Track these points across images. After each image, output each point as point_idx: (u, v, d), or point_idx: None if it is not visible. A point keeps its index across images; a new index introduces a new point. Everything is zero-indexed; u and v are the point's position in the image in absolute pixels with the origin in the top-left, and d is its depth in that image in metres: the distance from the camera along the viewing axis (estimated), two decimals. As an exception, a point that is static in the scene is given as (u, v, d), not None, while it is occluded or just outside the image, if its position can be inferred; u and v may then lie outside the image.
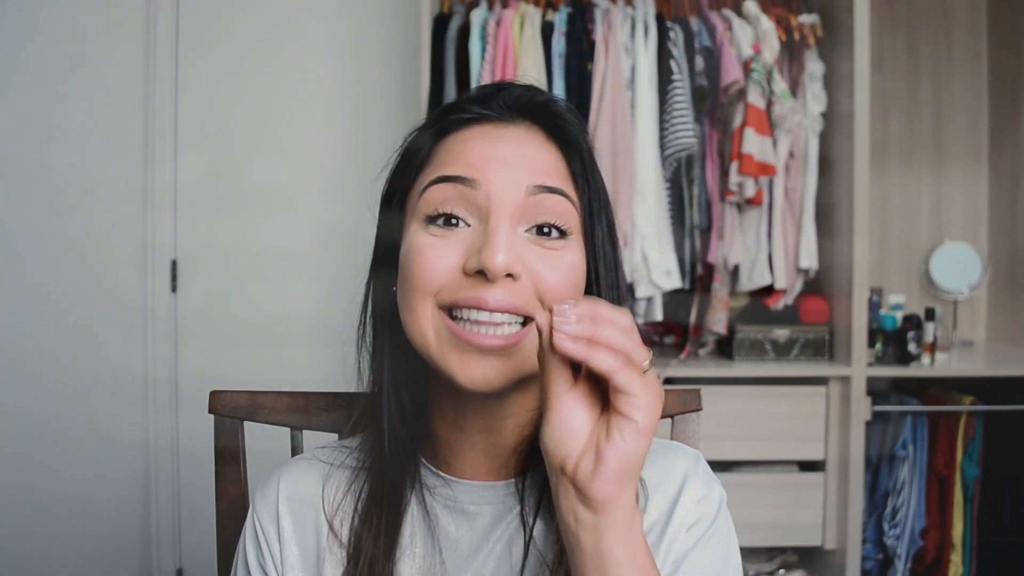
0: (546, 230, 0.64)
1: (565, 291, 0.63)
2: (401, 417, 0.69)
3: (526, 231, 0.64)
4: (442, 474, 0.71)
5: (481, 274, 0.60)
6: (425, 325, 0.63)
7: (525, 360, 0.63)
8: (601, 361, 0.50)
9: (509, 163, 0.64)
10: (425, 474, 0.71)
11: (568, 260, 0.64)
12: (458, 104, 0.69)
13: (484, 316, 0.61)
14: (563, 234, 0.64)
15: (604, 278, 0.67)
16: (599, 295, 0.67)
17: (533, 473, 0.70)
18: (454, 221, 0.63)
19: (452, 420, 0.69)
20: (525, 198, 0.63)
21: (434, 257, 0.62)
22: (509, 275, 0.61)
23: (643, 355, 0.51)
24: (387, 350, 0.70)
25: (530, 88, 0.69)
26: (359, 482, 0.71)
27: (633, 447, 0.51)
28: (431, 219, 0.64)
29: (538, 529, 0.68)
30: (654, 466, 0.71)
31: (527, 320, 0.62)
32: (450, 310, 0.62)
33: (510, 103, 0.67)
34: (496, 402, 0.67)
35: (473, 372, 0.61)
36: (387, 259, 0.69)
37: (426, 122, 0.70)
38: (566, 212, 0.64)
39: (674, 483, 0.70)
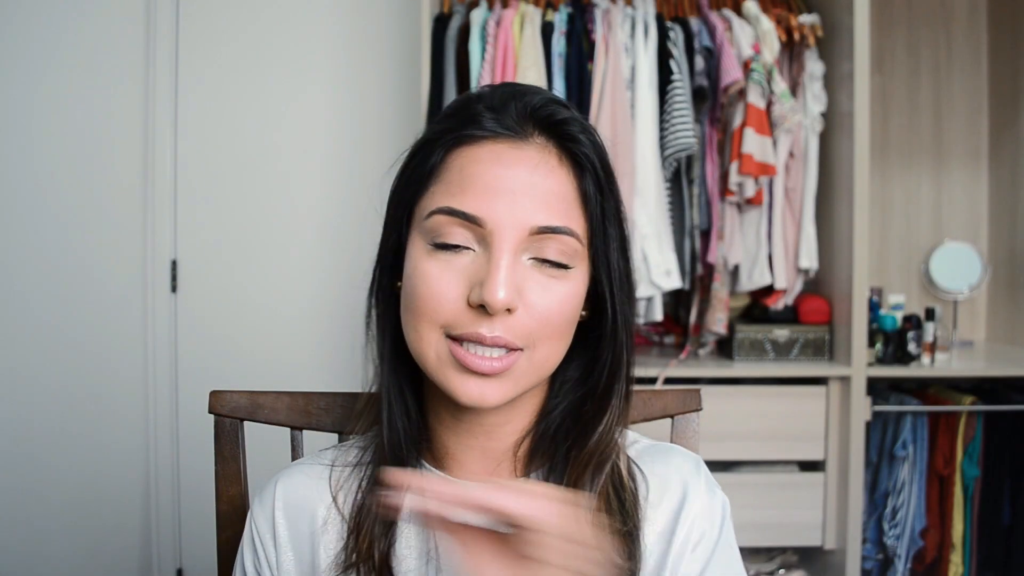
0: (550, 262, 0.65)
1: (559, 320, 0.65)
2: (403, 411, 0.71)
3: (529, 259, 0.65)
4: (441, 473, 0.72)
5: (483, 307, 0.62)
6: (428, 348, 0.65)
7: (518, 380, 0.65)
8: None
9: (517, 196, 0.64)
10: (424, 472, 0.72)
11: (567, 291, 0.65)
12: (474, 110, 0.67)
13: (481, 347, 0.63)
14: (566, 267, 0.66)
15: (618, 297, 0.69)
16: (613, 312, 0.69)
17: (534, 475, 0.71)
18: (459, 245, 0.64)
19: (449, 425, 0.71)
20: (530, 236, 0.64)
21: (440, 289, 0.63)
22: (508, 309, 0.63)
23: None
24: (388, 346, 0.71)
25: (548, 102, 0.68)
26: (361, 468, 0.73)
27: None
28: (437, 245, 0.64)
29: None
30: (654, 472, 0.72)
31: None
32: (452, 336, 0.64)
33: (526, 117, 0.66)
34: (492, 412, 0.69)
35: (471, 391, 0.64)
36: (391, 259, 0.71)
37: (440, 125, 0.69)
38: (570, 249, 0.65)
39: (675, 493, 0.71)
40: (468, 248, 0.64)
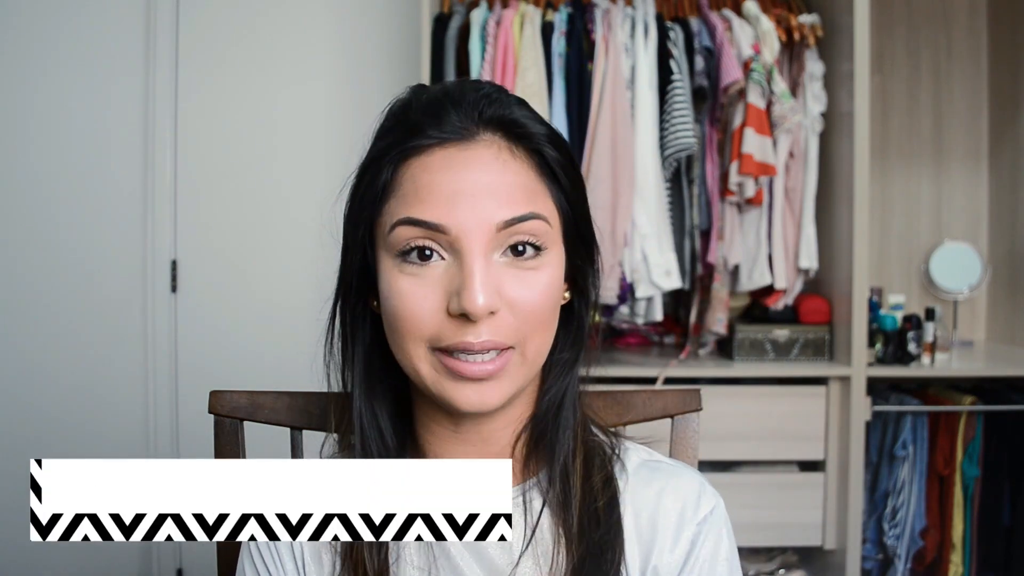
0: (520, 248, 0.64)
1: (543, 311, 0.64)
2: (380, 439, 0.69)
3: (501, 255, 0.63)
4: None
5: (464, 315, 0.61)
6: (420, 363, 0.64)
7: (513, 379, 0.64)
8: None
9: (477, 197, 0.62)
10: None
11: (545, 279, 0.64)
12: (412, 120, 0.65)
13: (471, 354, 0.63)
14: (538, 250, 0.64)
15: (588, 277, 0.71)
16: (584, 293, 0.71)
17: (535, 480, 0.70)
18: (428, 253, 0.63)
19: (444, 436, 0.69)
20: (497, 234, 0.63)
21: (417, 305, 0.63)
22: (491, 312, 0.62)
23: None
24: (360, 369, 0.70)
25: (485, 98, 0.66)
26: None
27: None
28: (404, 254, 0.63)
29: (539, 537, 0.68)
30: (648, 498, 0.71)
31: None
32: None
33: (468, 118, 0.65)
34: (489, 418, 0.68)
35: (470, 397, 0.63)
36: (356, 282, 0.70)
37: (383, 142, 0.67)
38: (540, 230, 0.64)
39: (671, 520, 0.71)
40: (438, 255, 0.63)
